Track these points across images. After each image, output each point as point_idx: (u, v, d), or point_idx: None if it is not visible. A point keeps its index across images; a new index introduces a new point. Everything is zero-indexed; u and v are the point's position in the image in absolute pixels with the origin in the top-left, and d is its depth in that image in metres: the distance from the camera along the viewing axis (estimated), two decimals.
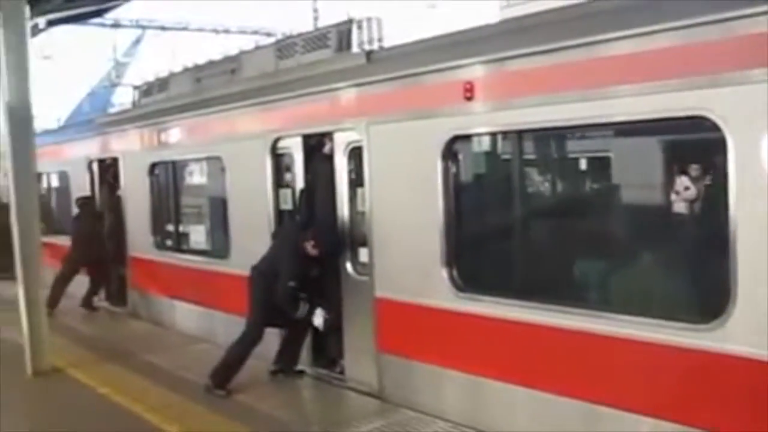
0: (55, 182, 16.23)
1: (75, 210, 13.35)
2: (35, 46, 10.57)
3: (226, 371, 7.86)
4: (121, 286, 13.05)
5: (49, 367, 9.06)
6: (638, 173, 5.91)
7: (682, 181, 5.65)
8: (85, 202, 13.33)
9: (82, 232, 13.03)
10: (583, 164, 6.44)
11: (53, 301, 11.93)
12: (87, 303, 13.02)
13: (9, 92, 8.89)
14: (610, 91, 5.28)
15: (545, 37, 5.78)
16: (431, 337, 6.93)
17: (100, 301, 13.35)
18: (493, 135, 6.58)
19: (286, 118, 8.62)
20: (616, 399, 5.39)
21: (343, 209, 7.98)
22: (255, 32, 29.48)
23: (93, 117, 16.84)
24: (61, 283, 12.64)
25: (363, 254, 7.77)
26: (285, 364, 8.31)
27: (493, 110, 6.21)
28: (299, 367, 8.41)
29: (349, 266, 7.95)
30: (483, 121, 6.33)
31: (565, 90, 5.59)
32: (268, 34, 26.85)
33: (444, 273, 6.65)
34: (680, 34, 4.87)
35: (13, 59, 8.93)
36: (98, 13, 18.45)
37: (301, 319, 7.90)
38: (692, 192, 5.58)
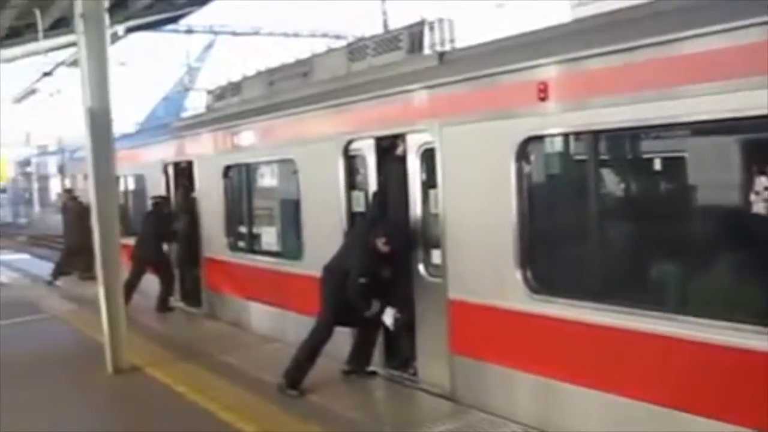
0: (131, 185, 16.62)
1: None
2: (113, 53, 10.82)
3: (297, 370, 7.95)
4: (195, 286, 13.29)
5: (128, 366, 9.30)
6: (716, 174, 5.76)
7: (761, 182, 5.49)
8: (157, 202, 13.67)
9: (145, 232, 13.43)
10: (659, 165, 6.30)
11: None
12: (162, 305, 13.29)
13: (90, 98, 9.15)
14: (689, 89, 5.17)
15: (621, 35, 5.70)
16: (504, 339, 6.89)
17: (175, 301, 13.60)
18: (568, 135, 6.50)
19: (359, 120, 8.67)
20: (695, 405, 5.28)
21: (416, 211, 7.99)
22: (324, 35, 29.81)
23: (167, 121, 17.22)
24: (129, 282, 12.89)
25: (435, 256, 7.77)
26: (357, 364, 8.37)
27: (568, 110, 6.14)
28: (371, 368, 8.45)
29: (421, 268, 7.95)
30: (557, 121, 6.27)
31: (641, 89, 5.50)
32: (338, 37, 27.11)
33: (518, 275, 6.60)
34: (765, 29, 4.74)
35: (94, 66, 9.18)
36: (174, 20, 18.92)
37: (371, 319, 7.93)
38: None
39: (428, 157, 7.72)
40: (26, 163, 68.62)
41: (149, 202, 13.96)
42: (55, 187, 60.02)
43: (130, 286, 12.78)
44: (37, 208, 67.14)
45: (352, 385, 8.20)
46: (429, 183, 7.81)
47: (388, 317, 7.90)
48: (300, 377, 7.92)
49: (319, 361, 8.10)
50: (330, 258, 8.20)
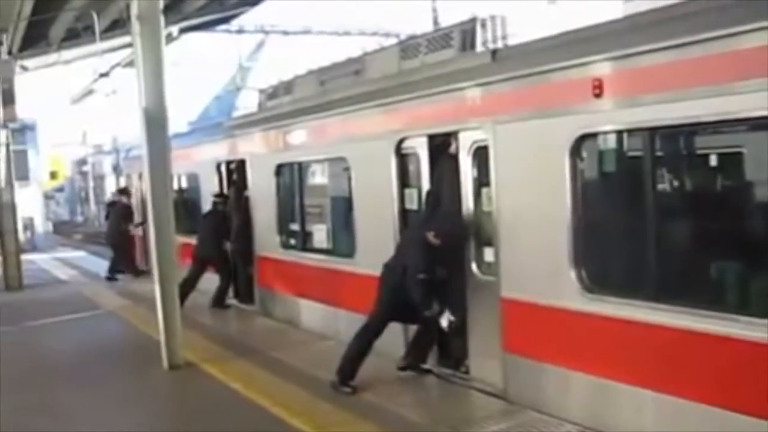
0: (185, 183, 16.83)
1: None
2: (168, 53, 11.00)
3: (349, 366, 7.98)
4: (248, 284, 13.41)
5: (183, 362, 9.45)
6: None
7: None
8: (216, 201, 13.75)
9: (205, 230, 13.58)
10: (715, 161, 6.18)
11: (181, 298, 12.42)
12: (218, 302, 13.40)
13: (146, 97, 9.30)
14: (745, 85, 5.07)
15: (675, 31, 5.60)
16: (558, 338, 6.83)
17: (229, 299, 13.74)
18: (623, 132, 6.41)
19: (411, 118, 8.66)
20: (747, 405, 5.18)
21: (468, 208, 7.97)
22: (374, 33, 29.85)
23: (220, 120, 17.41)
24: (189, 281, 13.07)
25: (488, 254, 7.73)
26: (413, 360, 8.37)
27: (623, 107, 6.06)
28: (426, 365, 8.45)
29: (474, 266, 7.93)
30: (612, 118, 6.19)
31: (697, 85, 5.40)
32: (388, 35, 27.13)
33: (572, 273, 6.54)
34: None
35: (150, 67, 9.34)
36: (226, 20, 19.14)
37: (430, 317, 7.93)
38: None
39: (481, 154, 7.69)
40: (83, 162, 69.94)
41: (208, 201, 14.02)
42: (111, 186, 61.09)
43: (190, 285, 12.99)
44: (93, 206, 68.42)
45: (406, 383, 8.20)
46: (481, 181, 7.78)
47: (444, 320, 7.86)
48: (352, 373, 7.96)
49: (372, 360, 8.14)
50: (387, 257, 8.22)
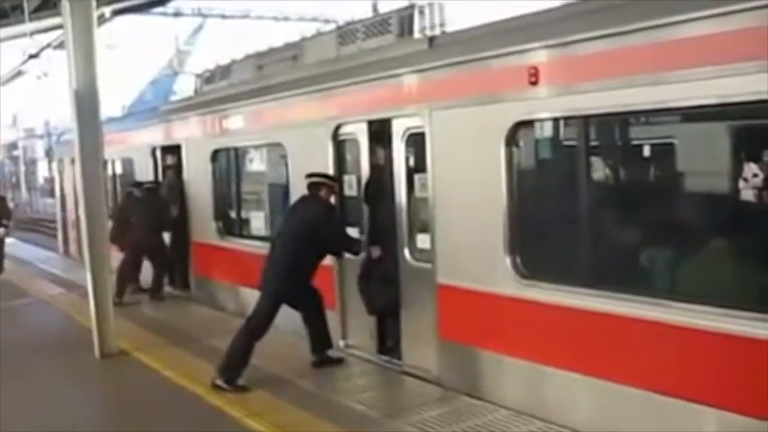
0: (119, 169, 16.49)
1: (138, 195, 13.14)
2: (100, 35, 10.73)
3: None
4: (184, 271, 13.21)
5: (116, 350, 9.27)
6: (705, 160, 5.76)
7: (750, 168, 5.48)
8: (149, 188, 13.11)
9: (140, 218, 12.80)
10: (648, 151, 6.30)
11: (120, 290, 12.19)
12: (155, 293, 12.91)
13: (77, 81, 9.07)
14: (680, 74, 5.15)
15: (612, 20, 5.67)
16: (493, 324, 6.89)
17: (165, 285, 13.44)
18: (558, 120, 6.48)
19: (348, 104, 8.62)
20: (680, 389, 5.30)
21: (401, 195, 7.97)
22: (314, 19, 29.68)
23: (156, 105, 17.11)
24: (124, 271, 12.71)
25: (421, 241, 7.76)
26: (319, 350, 8.26)
27: (557, 95, 6.12)
28: (335, 354, 8.40)
29: (407, 252, 7.94)
30: (547, 106, 6.25)
31: (632, 74, 5.48)
32: (327, 21, 26.99)
33: (507, 260, 6.59)
34: (758, 15, 4.71)
35: (81, 49, 9.11)
36: (161, 2, 18.77)
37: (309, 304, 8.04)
38: (761, 179, 5.42)
39: (415, 141, 7.69)
40: (13, 146, 68.24)
41: (138, 188, 13.37)
42: (43, 171, 59.74)
43: (126, 276, 12.64)
44: (24, 192, 66.82)
45: (341, 371, 8.18)
46: (416, 167, 7.78)
47: (375, 251, 8.16)
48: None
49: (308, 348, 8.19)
50: None
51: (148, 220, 12.62)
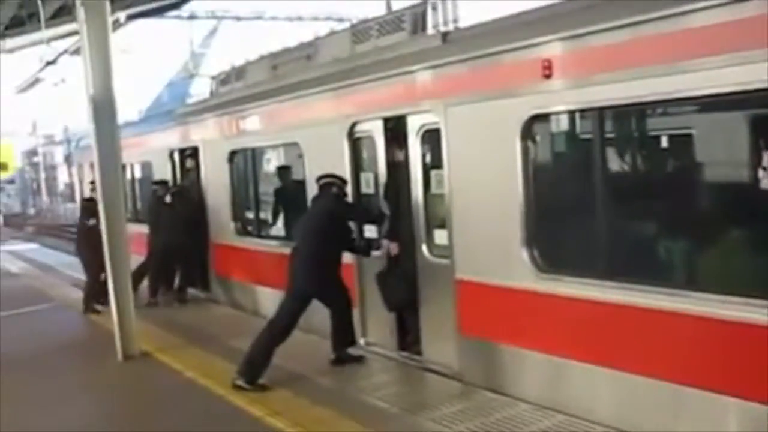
0: (138, 173, 16.58)
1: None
2: (115, 40, 10.79)
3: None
4: (203, 272, 13.26)
5: (138, 352, 9.34)
6: (724, 150, 5.72)
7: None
8: (175, 192, 13.18)
9: (166, 220, 12.85)
10: (666, 142, 6.27)
11: (153, 291, 12.45)
12: (179, 294, 12.93)
13: (93, 86, 9.13)
14: (697, 63, 5.12)
15: (625, 10, 5.64)
16: (513, 318, 6.88)
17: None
18: (573, 113, 6.46)
19: (363, 102, 8.63)
20: (704, 380, 5.27)
21: (418, 192, 7.98)
22: (327, 18, 29.73)
23: (172, 108, 17.19)
24: (146, 271, 12.84)
25: (439, 237, 7.77)
26: (340, 349, 8.28)
27: (572, 88, 6.10)
28: (357, 352, 8.43)
29: (425, 249, 7.94)
30: (562, 98, 6.23)
31: (647, 64, 5.45)
32: (340, 20, 27.01)
33: (525, 254, 6.58)
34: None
35: (97, 54, 9.16)
36: (176, 6, 18.84)
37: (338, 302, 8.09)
38: None
39: (431, 137, 7.69)
40: (33, 153, 68.81)
41: (161, 191, 13.26)
42: (62, 176, 60.19)
43: (159, 277, 12.74)
44: (45, 197, 67.38)
45: (362, 368, 8.19)
46: (432, 164, 7.79)
47: (394, 248, 8.18)
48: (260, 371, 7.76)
49: (328, 345, 8.26)
50: None
51: (177, 222, 12.66)
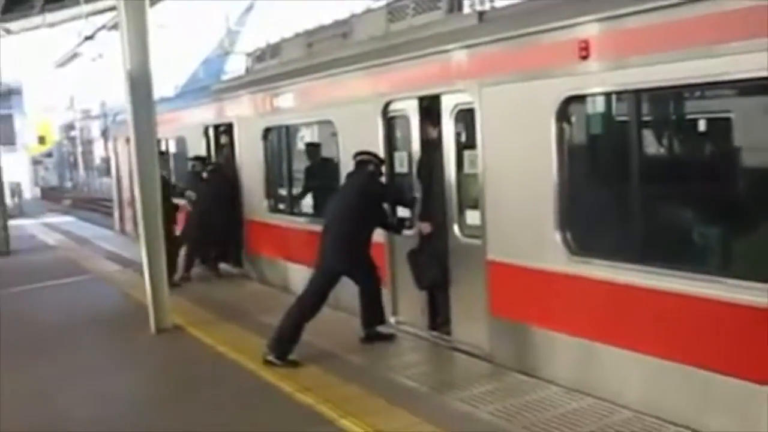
0: (172, 148, 16.70)
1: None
2: (153, 16, 10.86)
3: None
4: (236, 248, 13.37)
5: (171, 326, 9.47)
6: (763, 134, 5.62)
7: None
8: (214, 168, 13.23)
9: (206, 196, 12.92)
10: (703, 125, 6.18)
11: (188, 265, 12.60)
12: (213, 269, 13.19)
13: (130, 61, 9.21)
14: (736, 46, 5.03)
15: None
16: (544, 300, 6.86)
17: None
18: (609, 95, 6.40)
19: (397, 81, 8.61)
20: (734, 367, 5.23)
21: (451, 172, 7.96)
22: None
23: (208, 84, 17.27)
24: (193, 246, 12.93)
25: (470, 217, 7.75)
26: (370, 326, 8.33)
27: (610, 69, 6.03)
28: (387, 330, 8.47)
29: (456, 228, 7.93)
30: (599, 80, 6.16)
31: (686, 47, 5.37)
32: None
33: (557, 236, 6.55)
34: None
35: (134, 29, 9.24)
36: None
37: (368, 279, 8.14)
38: None
39: (465, 117, 7.66)
40: (71, 127, 69.56)
41: (198, 166, 13.50)
42: (99, 151, 60.85)
43: (195, 252, 12.86)
44: (82, 171, 68.17)
45: (392, 347, 8.23)
46: (465, 144, 7.76)
47: (426, 227, 8.18)
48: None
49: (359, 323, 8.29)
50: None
51: (213, 198, 12.76)
